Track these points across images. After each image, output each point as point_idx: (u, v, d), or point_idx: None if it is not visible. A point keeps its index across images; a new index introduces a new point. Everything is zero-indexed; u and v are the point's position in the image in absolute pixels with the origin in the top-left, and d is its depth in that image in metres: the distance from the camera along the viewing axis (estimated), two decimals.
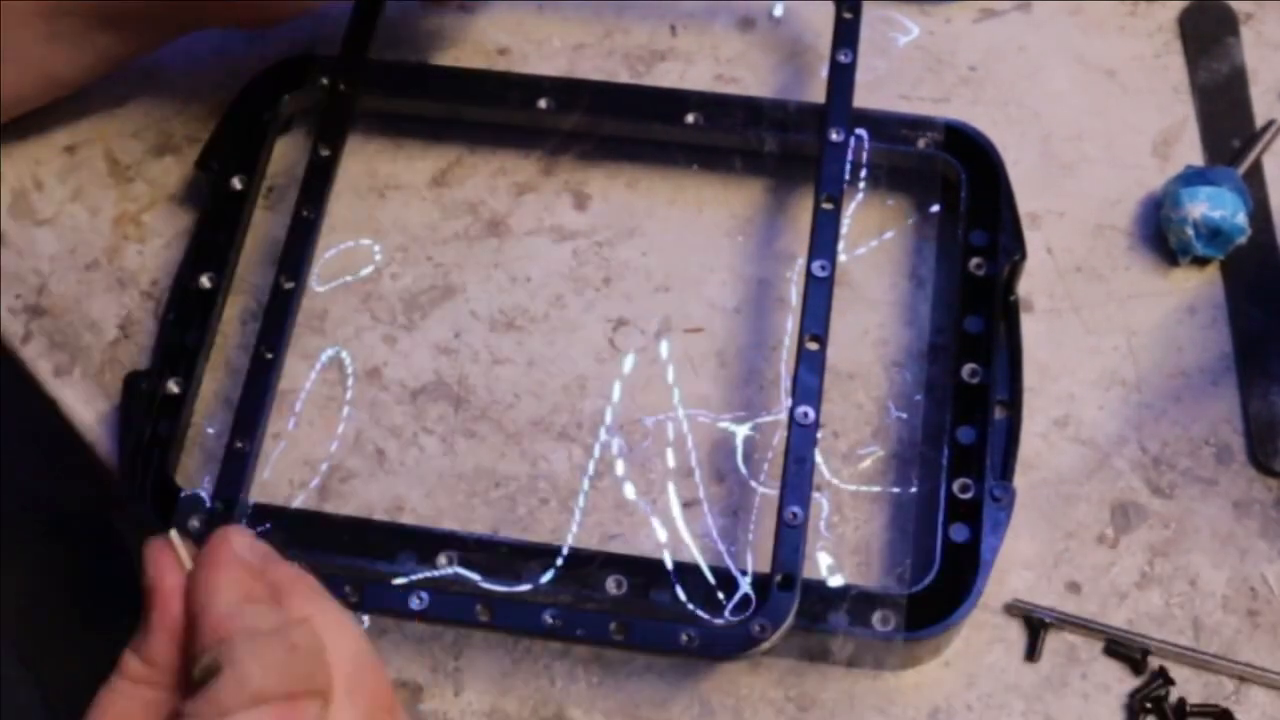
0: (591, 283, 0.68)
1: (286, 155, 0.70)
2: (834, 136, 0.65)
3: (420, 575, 0.59)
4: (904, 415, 0.64)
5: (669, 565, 0.59)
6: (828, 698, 0.59)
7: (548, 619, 0.56)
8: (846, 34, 0.67)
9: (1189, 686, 0.59)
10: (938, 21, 0.74)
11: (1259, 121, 0.71)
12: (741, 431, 0.64)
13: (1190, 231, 0.66)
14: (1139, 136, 0.71)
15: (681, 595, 0.58)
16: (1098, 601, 0.61)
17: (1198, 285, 0.68)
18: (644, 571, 0.59)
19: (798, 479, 0.58)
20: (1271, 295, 0.67)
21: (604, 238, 0.69)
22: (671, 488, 0.63)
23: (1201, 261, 0.68)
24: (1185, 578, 0.61)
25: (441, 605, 0.57)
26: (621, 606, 0.58)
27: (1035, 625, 0.60)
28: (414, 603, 0.57)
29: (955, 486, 0.60)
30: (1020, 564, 0.61)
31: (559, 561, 0.59)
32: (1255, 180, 0.70)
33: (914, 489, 0.63)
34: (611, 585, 0.59)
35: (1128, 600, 0.61)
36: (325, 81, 0.69)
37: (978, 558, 0.58)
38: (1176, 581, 0.61)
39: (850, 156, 0.66)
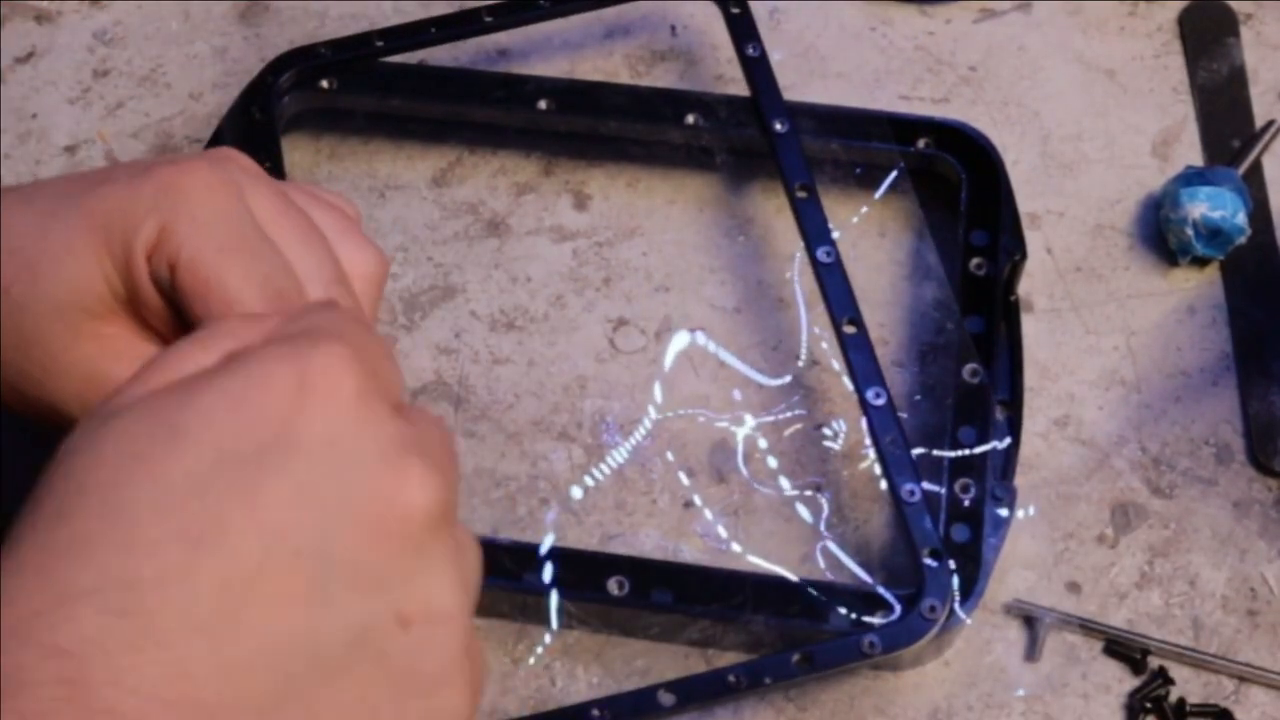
0: (591, 283, 0.68)
1: (289, 157, 0.70)
2: (778, 127, 0.65)
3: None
4: (904, 416, 0.64)
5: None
6: (827, 698, 0.59)
7: (731, 679, 0.56)
8: (743, 29, 0.67)
9: (1189, 686, 0.59)
10: (938, 22, 0.74)
11: (1259, 121, 0.71)
12: (741, 431, 0.64)
13: (1190, 232, 0.66)
14: (1139, 136, 0.71)
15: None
16: (1098, 601, 0.61)
17: (1197, 285, 0.68)
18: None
19: (896, 457, 0.58)
20: (1271, 295, 0.67)
21: (604, 238, 0.69)
22: (671, 488, 0.63)
23: (1201, 261, 0.68)
24: (1185, 578, 0.61)
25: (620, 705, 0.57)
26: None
27: (1035, 625, 0.60)
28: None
29: (956, 486, 0.60)
30: (1020, 564, 0.61)
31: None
32: (1255, 180, 0.70)
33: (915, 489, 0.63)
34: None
35: (1128, 600, 0.61)
36: (325, 84, 0.69)
37: (979, 558, 0.58)
38: (1176, 581, 0.61)
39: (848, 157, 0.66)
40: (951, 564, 0.57)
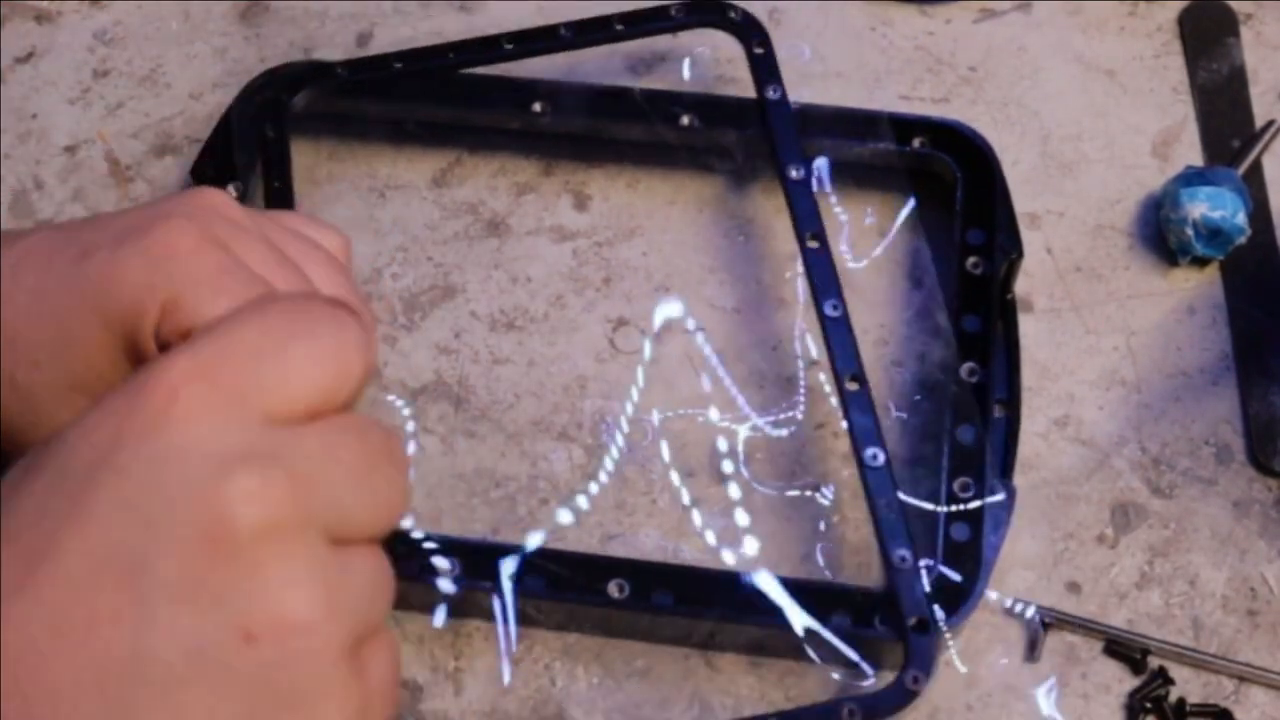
0: (591, 283, 0.68)
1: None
2: (794, 174, 0.64)
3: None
4: (904, 415, 0.64)
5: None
6: (828, 698, 0.59)
7: None
8: (765, 69, 0.66)
9: (1189, 686, 0.59)
10: (938, 22, 0.74)
11: (1259, 121, 0.71)
12: (742, 431, 0.64)
13: (1190, 232, 0.66)
14: (1139, 136, 0.71)
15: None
16: (1098, 601, 0.61)
17: (1197, 285, 0.68)
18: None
19: (890, 521, 0.57)
20: (1271, 295, 0.67)
21: (604, 238, 0.69)
22: (672, 488, 0.63)
23: (1201, 261, 0.68)
24: (1185, 578, 0.61)
25: None
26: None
27: (1035, 625, 0.60)
28: None
29: (956, 486, 0.60)
30: (1020, 564, 0.61)
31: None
32: (1255, 180, 0.70)
33: (914, 488, 0.63)
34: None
35: (1128, 600, 0.61)
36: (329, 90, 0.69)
37: (979, 558, 0.58)
38: (1176, 581, 0.61)
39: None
40: (943, 623, 0.56)
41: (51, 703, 0.33)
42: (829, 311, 0.61)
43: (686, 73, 0.72)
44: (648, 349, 0.66)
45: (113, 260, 0.45)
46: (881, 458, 0.58)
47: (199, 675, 0.35)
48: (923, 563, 0.57)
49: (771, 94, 0.66)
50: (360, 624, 0.37)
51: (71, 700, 0.33)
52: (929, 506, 0.60)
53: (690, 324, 0.67)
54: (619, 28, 0.68)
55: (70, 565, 0.34)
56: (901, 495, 0.58)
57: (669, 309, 0.67)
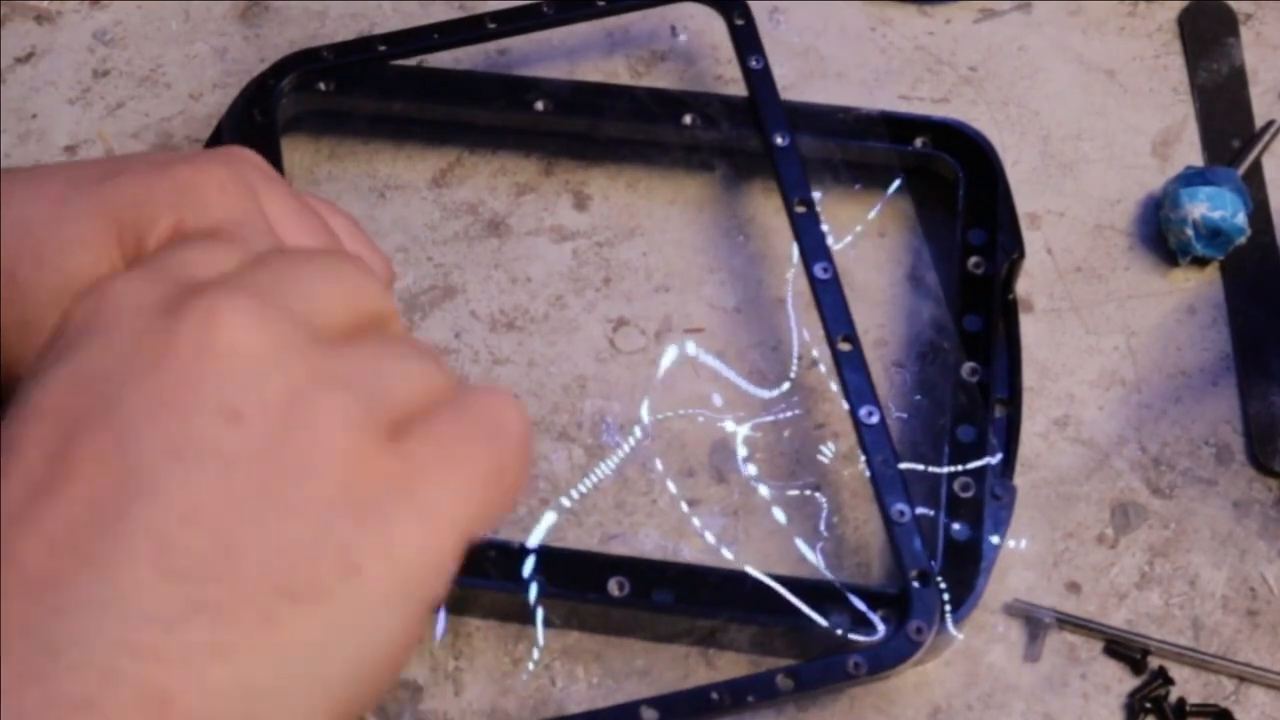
0: (591, 283, 0.68)
1: (289, 157, 0.70)
2: (779, 141, 0.65)
3: None
4: (904, 415, 0.64)
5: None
6: (828, 697, 0.59)
7: (714, 697, 0.56)
8: (747, 40, 0.67)
9: (1189, 686, 0.59)
10: (938, 22, 0.74)
11: (1259, 121, 0.71)
12: (742, 431, 0.64)
13: (1190, 232, 0.66)
14: (1139, 136, 0.71)
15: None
16: (1098, 601, 0.61)
17: (1197, 285, 0.68)
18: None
19: (888, 478, 0.58)
20: (1271, 295, 0.67)
21: (604, 238, 0.69)
22: (672, 488, 0.63)
23: (1201, 261, 0.68)
24: (1185, 578, 0.61)
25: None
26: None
27: (1035, 625, 0.60)
28: None
29: (956, 485, 0.60)
30: (1020, 564, 0.61)
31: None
32: (1255, 180, 0.70)
33: (914, 488, 0.62)
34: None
35: (1128, 600, 0.61)
36: (323, 86, 0.69)
37: (979, 556, 0.58)
38: (1176, 581, 0.61)
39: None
40: (942, 583, 0.57)
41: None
42: (819, 274, 0.62)
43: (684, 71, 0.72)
44: (648, 349, 0.66)
45: (141, 179, 0.46)
46: (876, 415, 0.59)
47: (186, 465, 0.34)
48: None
49: (754, 64, 0.67)
50: (384, 403, 0.36)
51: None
52: (929, 511, 0.60)
53: (690, 324, 0.67)
54: (601, 3, 0.69)
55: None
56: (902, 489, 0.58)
57: (669, 309, 0.67)
